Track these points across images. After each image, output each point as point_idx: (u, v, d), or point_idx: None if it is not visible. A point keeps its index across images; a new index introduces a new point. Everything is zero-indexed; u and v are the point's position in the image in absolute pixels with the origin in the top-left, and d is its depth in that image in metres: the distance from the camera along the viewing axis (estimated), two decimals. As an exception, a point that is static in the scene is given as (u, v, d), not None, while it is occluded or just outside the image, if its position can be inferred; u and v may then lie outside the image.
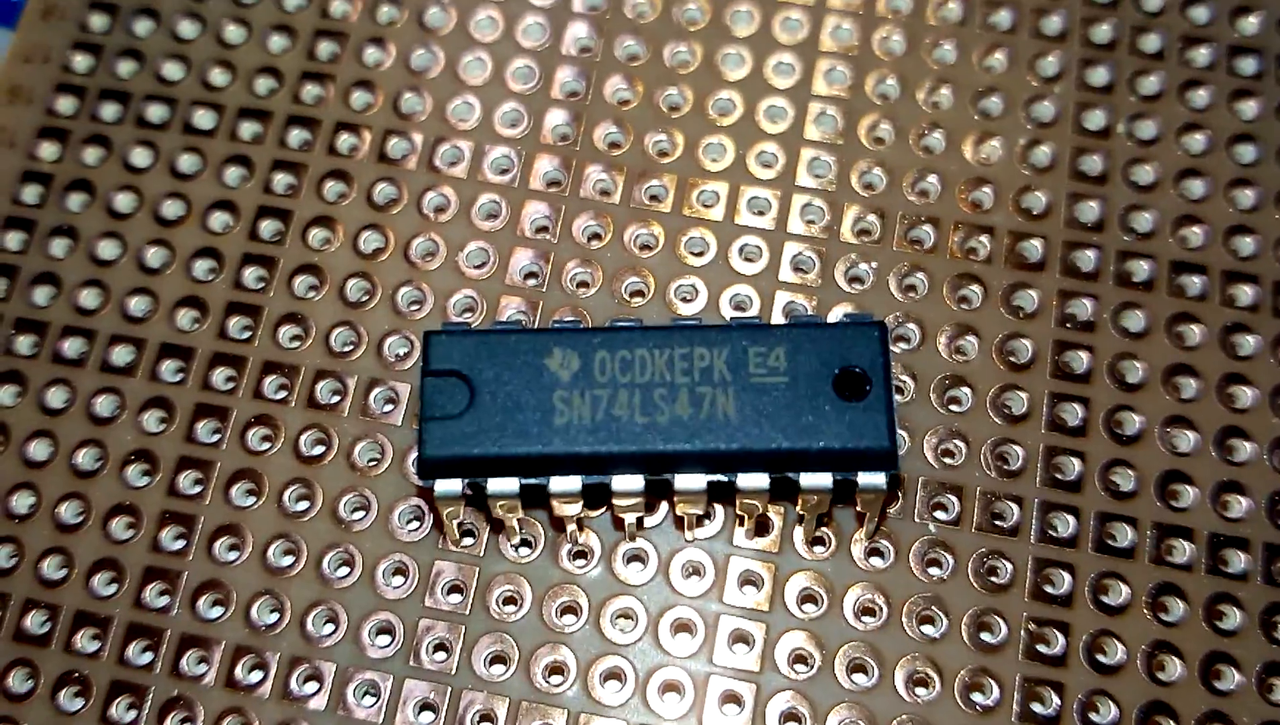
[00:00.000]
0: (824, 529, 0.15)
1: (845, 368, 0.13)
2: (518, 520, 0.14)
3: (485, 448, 0.13)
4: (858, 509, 0.14)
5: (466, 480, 0.13)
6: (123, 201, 0.17)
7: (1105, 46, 0.18)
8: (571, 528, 0.15)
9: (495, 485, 0.13)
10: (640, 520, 0.15)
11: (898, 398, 0.16)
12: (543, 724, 0.14)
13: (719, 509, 0.15)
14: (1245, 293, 0.16)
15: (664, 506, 0.15)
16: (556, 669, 0.14)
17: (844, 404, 0.13)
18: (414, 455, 0.15)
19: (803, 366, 0.14)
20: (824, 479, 0.14)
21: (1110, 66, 0.17)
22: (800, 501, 0.14)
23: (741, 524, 0.15)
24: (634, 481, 0.14)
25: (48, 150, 0.17)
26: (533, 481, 0.13)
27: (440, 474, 0.13)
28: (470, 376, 0.14)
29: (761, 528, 0.15)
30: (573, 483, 0.14)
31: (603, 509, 0.15)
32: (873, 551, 0.15)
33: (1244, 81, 0.17)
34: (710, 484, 0.14)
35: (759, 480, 0.14)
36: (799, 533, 0.15)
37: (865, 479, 0.14)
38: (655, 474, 0.14)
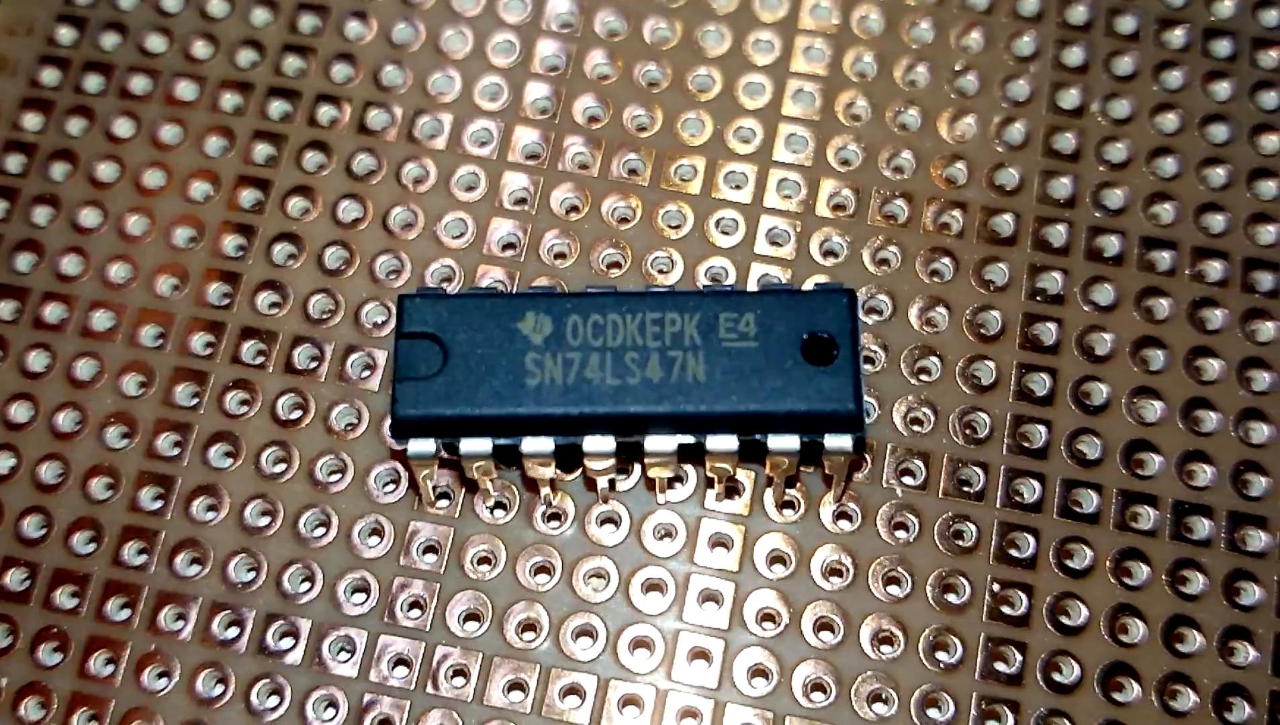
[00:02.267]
0: (793, 493, 0.16)
1: (814, 333, 0.15)
2: (492, 482, 0.16)
3: (457, 408, 0.15)
4: (825, 472, 0.16)
5: (440, 441, 0.15)
6: (105, 171, 0.18)
7: (1081, 27, 0.19)
8: (545, 490, 0.16)
9: (468, 446, 0.15)
10: (612, 483, 0.16)
11: (869, 367, 0.17)
12: (515, 678, 0.15)
13: (691, 472, 0.16)
14: (1214, 268, 0.18)
15: (637, 470, 0.16)
16: (529, 626, 0.16)
17: (812, 368, 0.15)
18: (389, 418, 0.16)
19: (772, 332, 0.15)
20: (791, 441, 0.15)
21: (1085, 47, 0.19)
22: (768, 463, 0.15)
23: (712, 486, 0.16)
24: (605, 443, 0.15)
25: (31, 120, 0.19)
26: (505, 442, 0.15)
27: (413, 434, 0.15)
28: (443, 338, 0.15)
29: (732, 491, 0.16)
30: (545, 444, 0.15)
31: (577, 472, 0.16)
32: (841, 515, 0.16)
33: (1217, 63, 0.19)
34: (680, 446, 0.15)
35: (728, 442, 0.15)
36: (769, 495, 0.16)
37: (831, 442, 0.15)
38: (626, 436, 0.15)
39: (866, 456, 0.16)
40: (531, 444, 0.15)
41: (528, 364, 0.15)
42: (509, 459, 0.15)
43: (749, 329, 0.15)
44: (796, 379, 0.15)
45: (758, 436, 0.15)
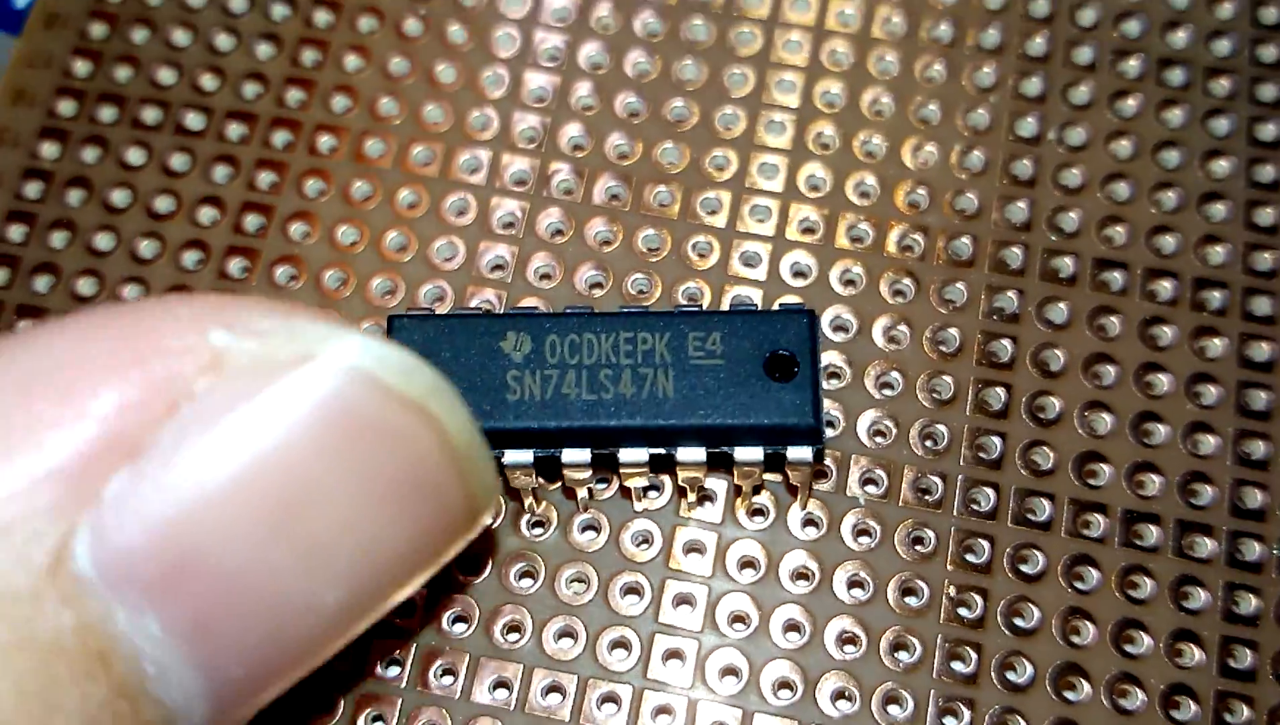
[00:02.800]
0: (762, 501, 0.17)
1: (775, 351, 0.16)
2: None
3: None
4: (789, 482, 0.17)
5: None
6: (118, 197, 0.19)
7: (1040, 59, 0.20)
8: (529, 499, 0.17)
9: None
10: (591, 492, 0.17)
11: (834, 382, 0.18)
12: (500, 677, 0.16)
13: (667, 483, 0.17)
14: (1165, 288, 0.18)
15: (616, 481, 0.17)
16: (513, 627, 0.16)
17: (774, 384, 0.16)
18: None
19: (737, 350, 0.16)
20: (756, 453, 0.16)
21: (1043, 77, 0.20)
22: (735, 473, 0.16)
23: (684, 496, 0.17)
24: (581, 455, 0.16)
25: (49, 150, 0.20)
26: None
27: None
28: (429, 357, 0.16)
29: (705, 499, 0.17)
30: (525, 456, 0.16)
31: (557, 484, 0.17)
32: (808, 522, 0.17)
33: (1171, 91, 0.20)
34: (652, 457, 0.16)
35: (696, 454, 0.16)
36: (739, 503, 0.17)
37: (793, 453, 0.16)
38: (601, 448, 0.16)
39: (831, 466, 0.17)
40: (512, 456, 0.16)
41: (508, 381, 0.16)
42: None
43: (715, 347, 0.16)
44: (759, 394, 0.16)
45: (724, 448, 0.16)
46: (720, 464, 0.16)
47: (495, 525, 0.17)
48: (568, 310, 0.16)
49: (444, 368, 0.16)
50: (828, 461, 0.17)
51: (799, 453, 0.16)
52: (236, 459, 0.11)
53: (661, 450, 0.16)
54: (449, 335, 0.16)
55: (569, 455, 0.16)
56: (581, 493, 0.17)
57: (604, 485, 0.17)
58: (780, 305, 0.17)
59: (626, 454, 0.16)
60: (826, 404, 0.18)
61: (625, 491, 0.17)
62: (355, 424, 0.12)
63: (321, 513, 0.12)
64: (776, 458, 0.16)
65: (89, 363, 0.11)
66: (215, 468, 0.11)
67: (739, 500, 0.17)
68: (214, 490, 0.11)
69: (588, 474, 0.16)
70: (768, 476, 0.17)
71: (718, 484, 0.17)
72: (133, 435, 0.11)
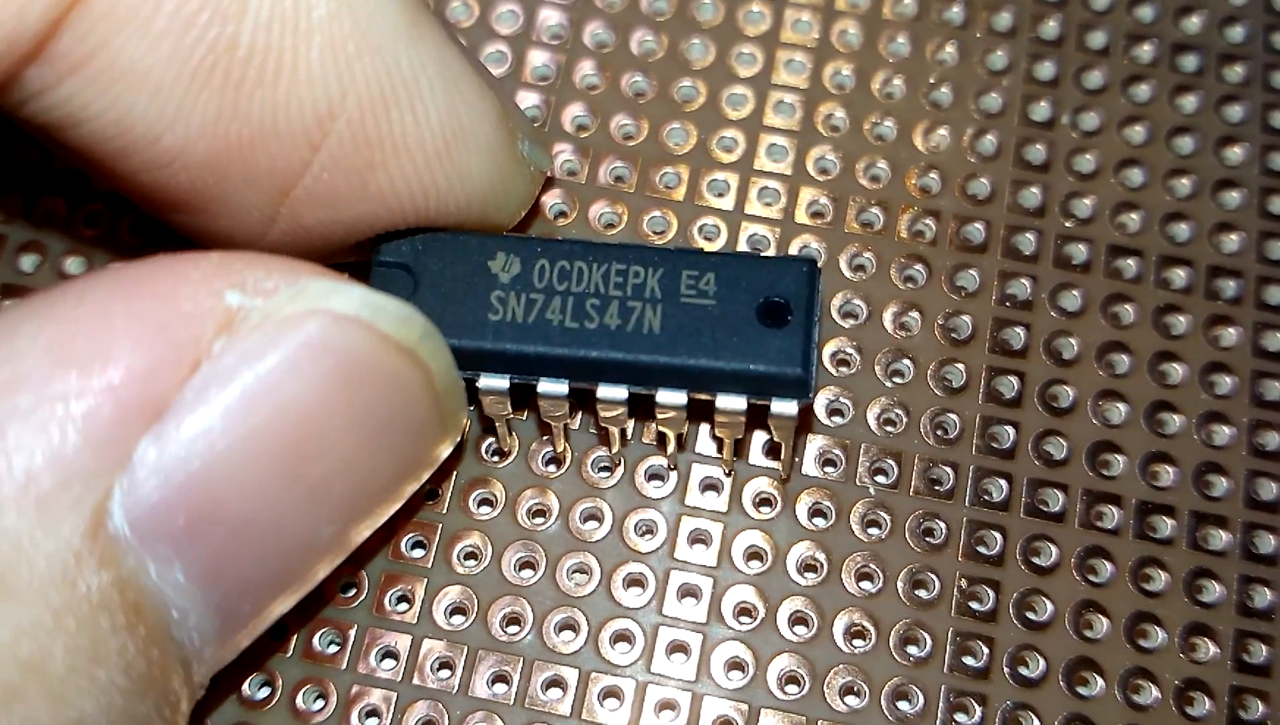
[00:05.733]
0: (770, 491, 0.16)
1: (770, 297, 0.15)
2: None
3: None
4: (773, 439, 0.16)
5: None
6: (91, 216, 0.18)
7: (1053, 42, 0.19)
8: (501, 429, 0.16)
9: None
10: (624, 435, 0.16)
11: (844, 370, 0.17)
12: (499, 670, 0.15)
13: (671, 475, 0.16)
14: (1179, 276, 0.18)
15: (620, 469, 0.16)
16: (514, 619, 0.16)
17: (764, 329, 0.15)
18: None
19: (732, 292, 0.15)
20: (739, 402, 0.15)
21: (1057, 61, 0.19)
22: (715, 424, 0.15)
23: (661, 444, 0.16)
24: (559, 387, 0.15)
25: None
26: (464, 375, 0.15)
27: None
28: (415, 270, 0.15)
29: (711, 488, 0.16)
30: (500, 382, 0.15)
31: (525, 412, 0.16)
32: (815, 512, 0.16)
33: (1185, 77, 0.19)
34: (631, 396, 0.15)
35: (676, 397, 0.15)
36: (747, 492, 0.16)
37: (777, 407, 0.15)
38: (578, 380, 0.15)
39: (839, 454, 0.16)
40: (487, 381, 0.15)
41: (492, 300, 0.15)
42: (468, 396, 0.15)
43: (709, 287, 0.15)
44: (749, 338, 0.15)
45: (706, 395, 0.15)
46: (701, 413, 0.15)
47: (494, 515, 0.16)
48: (560, 238, 0.15)
49: (428, 283, 0.15)
50: (836, 450, 0.17)
51: (783, 407, 0.15)
52: (252, 412, 0.12)
53: (641, 389, 0.15)
54: (437, 250, 0.15)
55: (545, 387, 0.15)
56: (614, 445, 0.16)
57: (605, 473, 0.16)
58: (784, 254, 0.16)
59: (605, 391, 0.15)
60: (834, 391, 0.17)
61: (604, 434, 0.16)
62: (356, 369, 0.13)
63: (324, 454, 0.12)
64: (761, 411, 0.15)
65: (112, 329, 0.12)
66: (233, 422, 0.12)
67: (722, 455, 0.16)
68: (232, 443, 0.12)
69: (562, 408, 0.15)
70: (770, 463, 0.16)
71: (722, 473, 0.16)
72: (157, 397, 0.12)
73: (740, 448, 0.16)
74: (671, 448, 0.16)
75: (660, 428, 0.15)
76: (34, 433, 0.11)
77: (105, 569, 0.11)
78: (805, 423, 0.16)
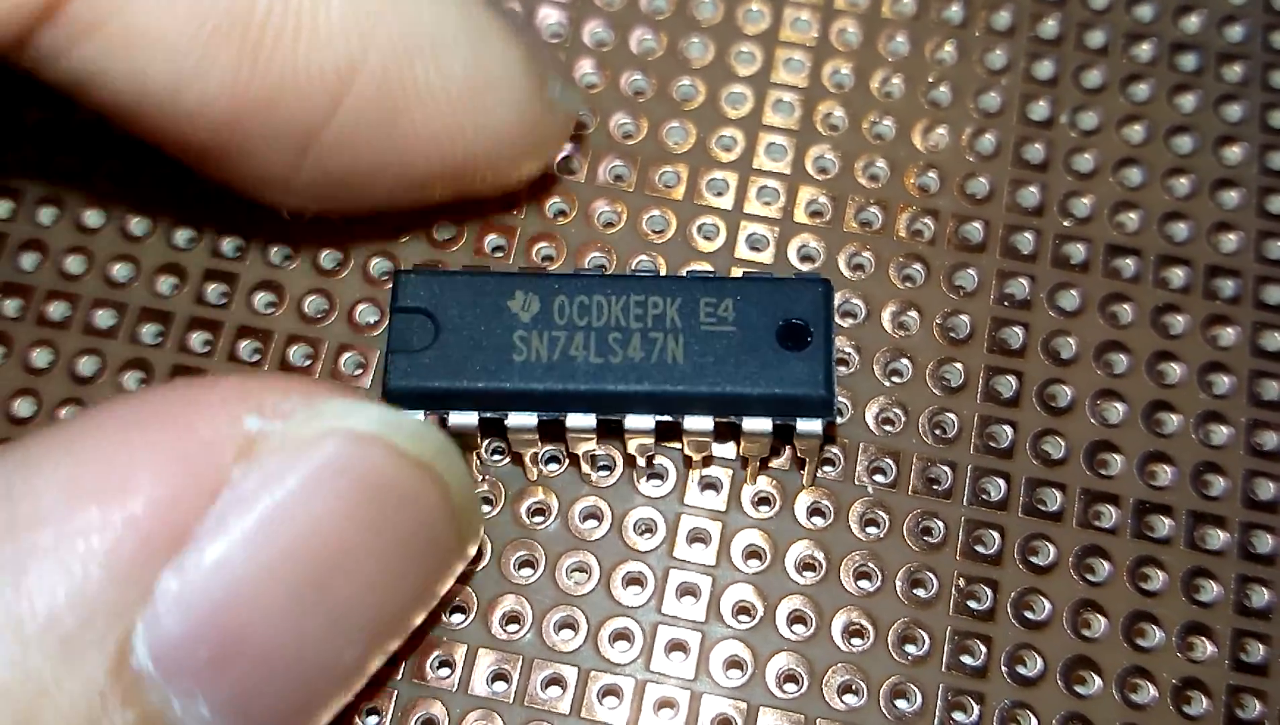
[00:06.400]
0: (769, 490, 0.16)
1: (789, 320, 0.15)
2: (480, 459, 0.16)
3: (446, 381, 0.15)
4: (797, 454, 0.16)
5: (428, 413, 0.15)
6: (110, 171, 0.18)
7: (1051, 41, 0.19)
8: (530, 463, 0.16)
9: (455, 419, 0.15)
10: (592, 458, 0.16)
11: (842, 369, 0.17)
12: (499, 669, 0.15)
13: (671, 469, 0.16)
14: (1177, 275, 0.18)
15: (619, 465, 0.16)
16: (513, 618, 0.16)
17: (786, 353, 0.15)
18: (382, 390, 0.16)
19: (749, 317, 0.15)
20: (764, 424, 0.15)
21: (1055, 60, 0.19)
22: (741, 445, 0.15)
23: (689, 464, 0.16)
24: (587, 420, 0.15)
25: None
26: (491, 415, 0.15)
27: (404, 405, 0.15)
28: (435, 314, 0.15)
29: (709, 487, 0.16)
30: (529, 419, 0.15)
31: (566, 465, 0.16)
32: (814, 511, 0.16)
33: (1183, 77, 0.19)
34: (658, 425, 0.15)
35: (704, 423, 0.15)
36: (746, 492, 0.16)
37: (803, 425, 0.15)
38: (606, 413, 0.15)
39: (838, 453, 0.16)
40: (516, 419, 0.15)
41: (515, 341, 0.15)
42: (495, 432, 0.15)
43: (727, 314, 0.15)
44: (771, 363, 0.15)
45: (732, 418, 0.15)
46: (727, 434, 0.15)
47: (493, 514, 0.16)
48: (578, 272, 0.16)
49: (450, 325, 0.15)
50: (835, 449, 0.17)
51: (808, 425, 0.15)
52: (273, 539, 0.12)
53: (668, 418, 0.15)
54: (456, 292, 0.15)
55: (574, 420, 0.15)
56: (586, 470, 0.16)
57: (605, 472, 0.17)
58: (796, 274, 0.16)
59: (633, 421, 0.15)
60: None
61: (629, 459, 0.16)
62: (375, 487, 0.12)
63: (346, 577, 0.12)
64: (785, 429, 0.15)
65: (132, 461, 0.12)
66: (254, 550, 0.12)
67: (746, 472, 0.16)
68: (253, 571, 0.12)
69: (592, 442, 0.15)
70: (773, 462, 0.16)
71: (722, 473, 0.16)
72: (177, 528, 0.11)
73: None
74: (697, 461, 0.16)
75: (687, 452, 0.16)
76: (56, 570, 0.11)
77: (129, 707, 0.11)
78: (829, 437, 0.16)
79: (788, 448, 0.16)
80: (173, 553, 0.11)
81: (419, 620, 0.14)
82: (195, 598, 0.11)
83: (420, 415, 0.15)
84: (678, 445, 0.16)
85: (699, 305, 0.15)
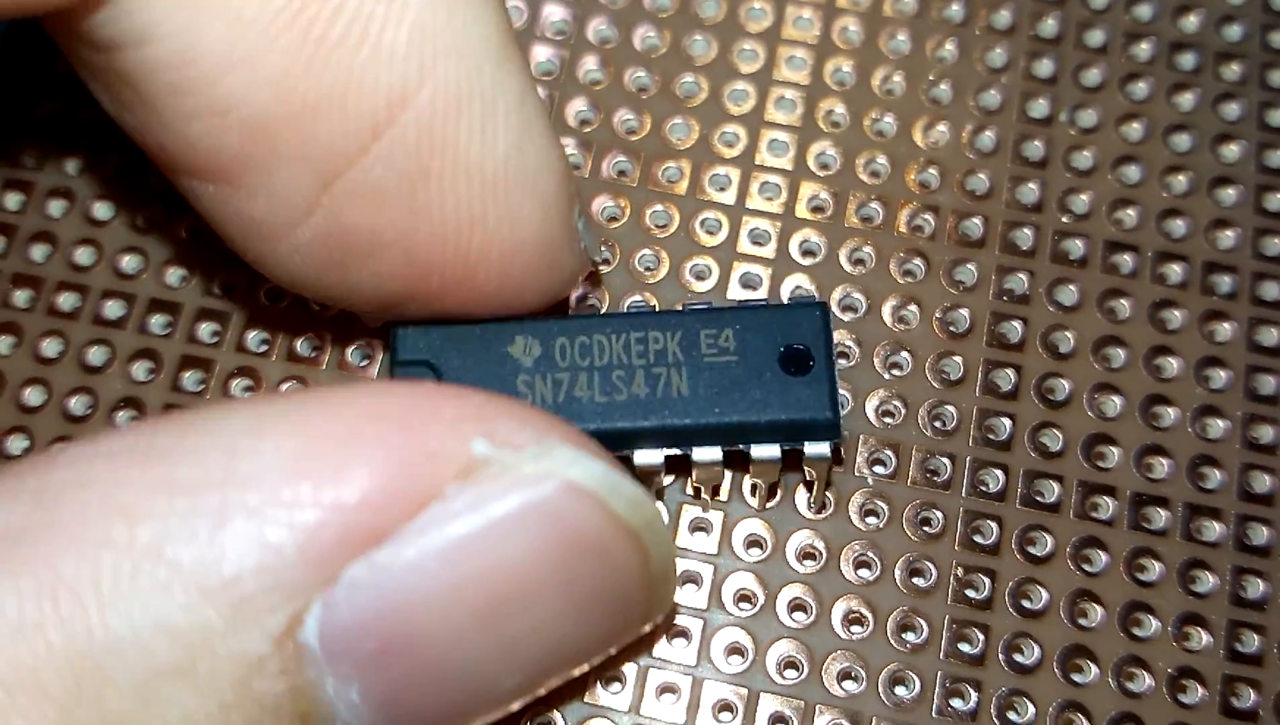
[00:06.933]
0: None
1: (789, 346, 0.15)
2: None
3: None
4: (805, 478, 0.16)
5: None
6: (119, 165, 0.19)
7: (1051, 40, 0.19)
8: None
9: None
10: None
11: (843, 363, 0.17)
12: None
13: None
14: (1175, 271, 0.18)
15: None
16: (516, 605, 0.16)
17: (789, 379, 0.15)
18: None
19: (750, 345, 0.15)
20: (773, 450, 0.15)
21: (1055, 58, 0.19)
22: (752, 471, 0.16)
23: (698, 496, 0.16)
24: None
25: (46, 111, 0.19)
26: None
27: None
28: (437, 366, 0.15)
29: (715, 490, 0.17)
30: None
31: None
32: (814, 501, 0.16)
33: (1182, 75, 0.19)
34: (667, 458, 0.15)
35: (712, 453, 0.15)
36: (747, 482, 0.16)
37: (811, 449, 0.15)
38: (616, 450, 0.15)
39: (842, 456, 0.17)
40: None
41: (519, 386, 0.15)
42: None
43: (728, 344, 0.15)
44: (775, 390, 0.15)
45: (740, 446, 0.15)
46: (736, 462, 0.16)
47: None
48: (574, 315, 0.16)
49: (453, 377, 0.15)
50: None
51: (817, 448, 0.15)
52: (467, 561, 0.12)
53: (677, 451, 0.15)
54: (455, 344, 0.15)
55: None
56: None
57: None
58: (791, 298, 0.16)
59: (642, 456, 0.15)
60: (835, 383, 0.17)
61: None
62: (579, 542, 0.13)
63: (526, 613, 0.12)
64: (794, 454, 0.15)
65: (356, 452, 0.12)
66: (447, 566, 0.12)
67: (756, 499, 0.16)
68: (441, 586, 0.12)
69: None
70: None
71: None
72: (379, 527, 0.12)
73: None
74: (706, 497, 0.16)
75: (696, 483, 0.16)
76: (253, 533, 0.11)
77: (284, 677, 0.11)
78: (837, 457, 0.16)
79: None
80: (368, 547, 0.12)
81: (587, 667, 0.14)
82: (378, 593, 0.12)
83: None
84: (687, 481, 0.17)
85: (699, 337, 0.15)
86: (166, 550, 0.11)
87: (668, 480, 0.16)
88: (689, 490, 0.16)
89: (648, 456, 0.15)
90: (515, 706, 0.13)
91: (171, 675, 0.11)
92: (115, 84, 0.14)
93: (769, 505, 0.16)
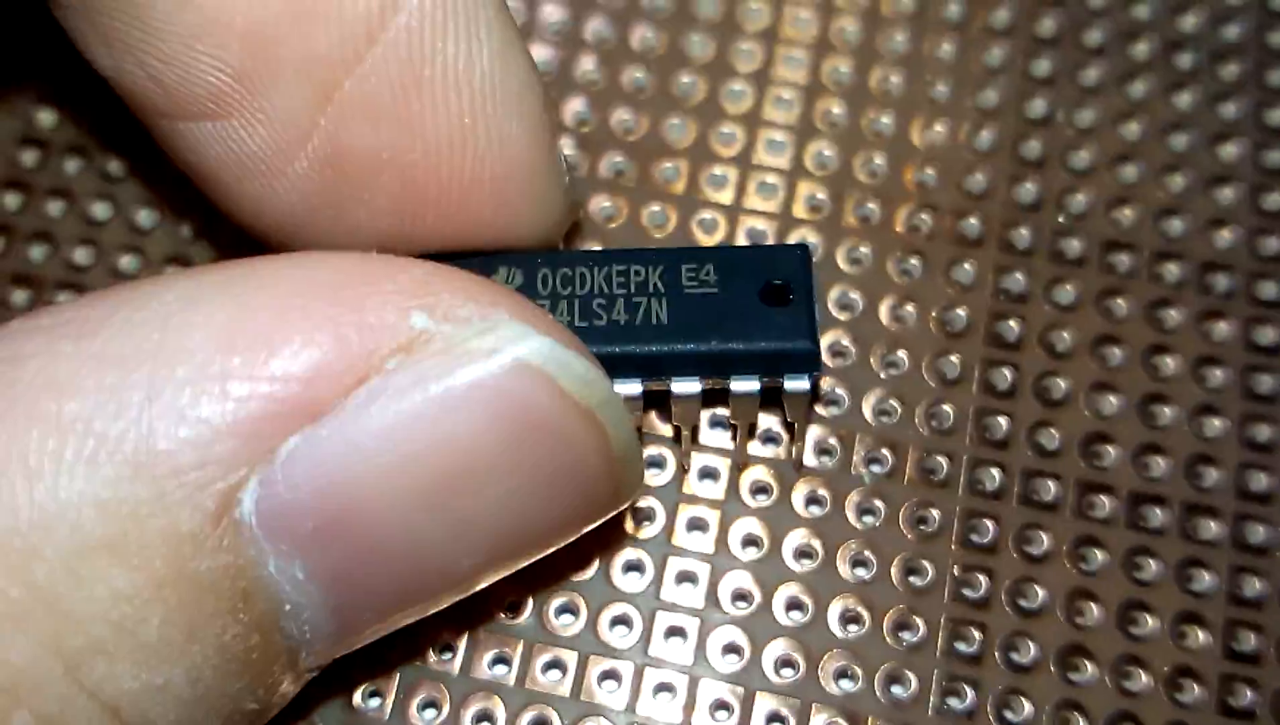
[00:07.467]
0: (766, 479, 0.17)
1: (770, 281, 0.15)
2: None
3: None
4: (786, 418, 0.16)
5: None
6: (115, 166, 0.19)
7: (1049, 40, 0.19)
8: None
9: None
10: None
11: (840, 361, 0.17)
12: (500, 653, 0.16)
13: (669, 459, 0.17)
14: (1172, 271, 0.18)
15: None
16: (512, 605, 0.16)
17: (769, 309, 0.15)
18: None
19: (732, 279, 0.15)
20: (752, 385, 0.15)
21: (1053, 58, 0.19)
22: (730, 408, 0.16)
23: (677, 438, 0.16)
24: None
25: (45, 118, 0.19)
26: None
27: None
28: None
29: (706, 476, 0.17)
30: None
31: None
32: (811, 500, 0.17)
33: (1180, 75, 0.19)
34: (645, 393, 0.15)
35: (691, 387, 0.15)
36: (744, 480, 0.17)
37: (790, 384, 0.15)
38: None
39: (835, 443, 0.17)
40: None
41: None
42: None
43: (709, 277, 0.15)
44: (755, 318, 0.15)
45: (719, 380, 0.15)
46: (714, 400, 0.16)
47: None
48: (559, 251, 0.16)
49: None
50: (832, 439, 0.17)
51: (796, 383, 0.15)
52: (410, 438, 0.12)
53: (655, 382, 0.15)
54: None
55: None
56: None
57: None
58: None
59: (620, 387, 0.15)
60: (832, 382, 0.17)
61: None
62: (528, 421, 0.12)
63: (477, 493, 0.12)
64: (773, 392, 0.15)
65: (288, 324, 0.12)
66: (388, 443, 0.12)
67: (736, 439, 0.16)
68: (382, 463, 0.12)
69: None
70: (766, 452, 0.17)
71: (720, 462, 0.17)
72: (315, 401, 0.11)
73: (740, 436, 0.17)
74: (686, 443, 0.16)
75: (674, 421, 0.16)
76: (184, 406, 0.11)
77: (221, 554, 0.11)
78: (815, 396, 0.16)
79: (780, 429, 0.17)
80: (304, 422, 0.11)
81: (550, 551, 0.14)
82: (314, 471, 0.11)
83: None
84: (668, 431, 0.17)
85: (681, 271, 0.15)
86: (95, 424, 0.11)
87: (653, 452, 0.17)
88: (669, 431, 0.17)
89: (626, 387, 0.15)
90: (482, 585, 0.13)
91: (102, 550, 0.11)
92: (114, 16, 0.14)
93: (759, 485, 0.16)
